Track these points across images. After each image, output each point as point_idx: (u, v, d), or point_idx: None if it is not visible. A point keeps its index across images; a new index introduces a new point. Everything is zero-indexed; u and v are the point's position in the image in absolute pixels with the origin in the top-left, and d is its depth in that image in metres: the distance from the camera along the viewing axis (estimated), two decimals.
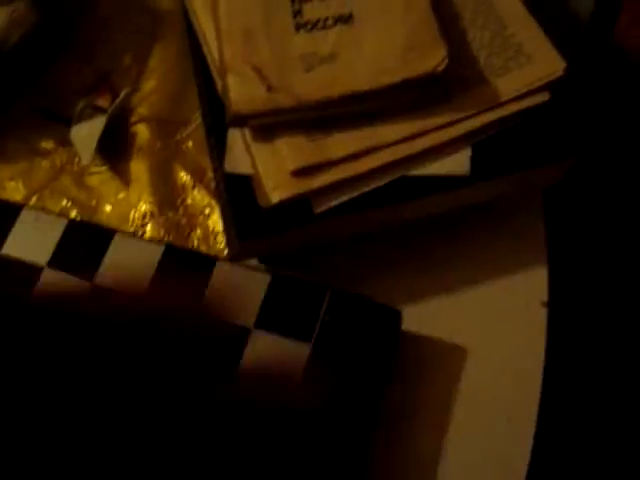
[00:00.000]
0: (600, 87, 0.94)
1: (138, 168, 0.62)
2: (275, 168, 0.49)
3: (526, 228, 0.59)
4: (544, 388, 0.53)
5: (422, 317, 0.54)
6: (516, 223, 0.59)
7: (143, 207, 0.60)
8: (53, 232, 0.55)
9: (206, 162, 0.60)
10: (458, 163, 0.51)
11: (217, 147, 0.52)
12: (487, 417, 0.52)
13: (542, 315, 0.55)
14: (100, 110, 0.63)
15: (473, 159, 0.51)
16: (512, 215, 0.59)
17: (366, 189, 0.50)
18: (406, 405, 0.52)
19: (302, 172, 0.49)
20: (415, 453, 0.51)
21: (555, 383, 0.56)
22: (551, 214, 0.59)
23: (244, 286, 0.51)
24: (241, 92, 0.49)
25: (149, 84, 0.66)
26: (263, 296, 0.51)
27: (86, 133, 0.61)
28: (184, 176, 0.61)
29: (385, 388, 0.49)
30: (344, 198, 0.50)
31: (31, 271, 0.53)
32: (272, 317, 0.50)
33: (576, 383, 1.12)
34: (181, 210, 0.60)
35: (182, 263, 0.53)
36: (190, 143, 0.63)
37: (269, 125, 0.50)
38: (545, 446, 0.53)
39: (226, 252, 0.56)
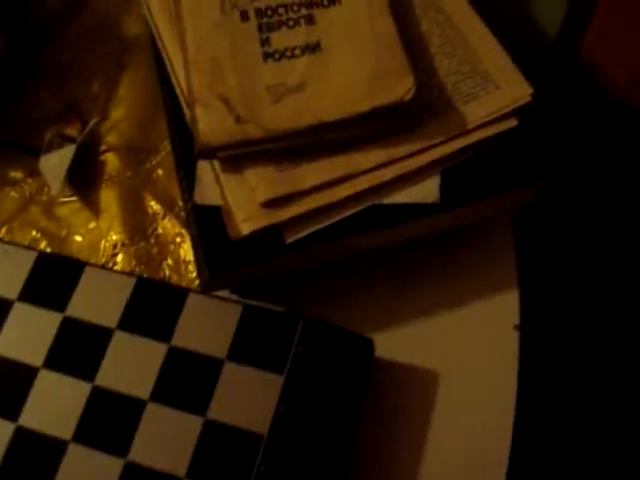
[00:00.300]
0: (566, 108, 0.95)
1: (108, 197, 0.62)
2: (245, 199, 0.49)
3: (497, 252, 0.59)
4: (518, 411, 0.53)
5: (395, 343, 0.54)
6: (487, 247, 0.59)
7: (114, 237, 0.60)
8: (23, 265, 0.54)
9: (176, 190, 0.59)
10: (428, 191, 0.51)
11: (186, 178, 0.52)
12: (461, 442, 0.52)
13: (514, 338, 0.55)
14: (69, 139, 0.62)
15: (443, 186, 0.51)
16: (483, 239, 0.59)
17: (337, 218, 0.50)
18: (381, 432, 0.52)
19: (272, 203, 0.49)
20: (390, 476, 0.52)
21: (529, 406, 0.56)
22: (521, 237, 0.59)
23: (216, 317, 0.51)
24: (209, 123, 0.49)
25: (118, 112, 0.66)
26: (235, 327, 0.51)
27: (55, 163, 0.61)
28: (154, 205, 0.61)
29: (359, 416, 0.49)
30: (315, 227, 0.50)
31: (1, 305, 0.53)
32: (245, 348, 0.50)
33: (550, 406, 1.13)
34: (152, 239, 0.59)
35: (154, 295, 0.52)
36: (160, 171, 0.63)
37: (238, 156, 0.50)
38: (520, 470, 0.53)
39: (197, 282, 0.55)
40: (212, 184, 0.51)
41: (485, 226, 0.59)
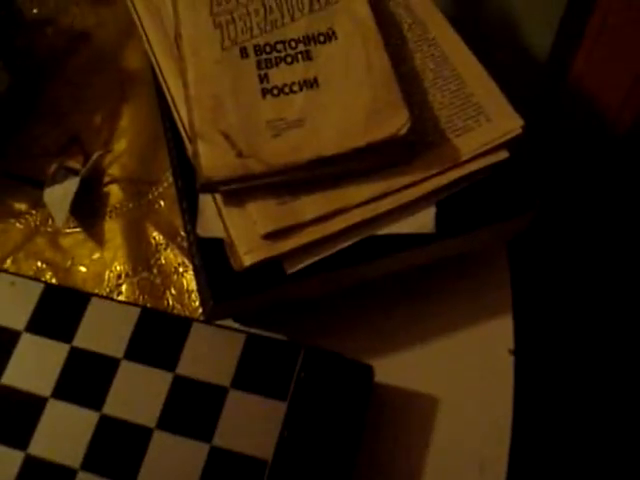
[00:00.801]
0: (556, 132, 0.96)
1: (111, 228, 0.63)
2: (246, 232, 0.50)
3: (491, 278, 0.60)
4: (514, 434, 0.54)
5: (393, 368, 0.55)
6: (482, 273, 0.60)
7: (118, 267, 0.61)
8: (30, 296, 0.55)
9: (178, 221, 0.61)
10: (423, 221, 0.52)
11: (189, 211, 0.53)
12: (459, 466, 0.53)
13: (509, 362, 0.57)
14: (72, 172, 0.64)
15: (438, 216, 0.52)
16: (477, 266, 0.60)
17: (335, 249, 0.51)
18: (380, 456, 0.53)
19: (273, 235, 0.50)
20: None
21: (525, 429, 0.57)
22: (515, 262, 0.60)
23: (220, 346, 0.52)
24: (212, 158, 0.50)
25: (120, 144, 0.67)
26: (239, 356, 0.52)
27: (59, 195, 0.62)
28: (157, 236, 0.62)
29: (360, 440, 0.49)
30: (315, 258, 0.50)
31: (9, 336, 0.54)
32: (248, 376, 0.51)
33: (546, 428, 1.14)
34: (155, 269, 0.60)
35: (159, 325, 0.53)
36: (162, 202, 0.64)
37: (239, 190, 0.51)
38: None
39: (201, 310, 0.56)
40: (214, 217, 0.52)
41: (480, 252, 0.60)
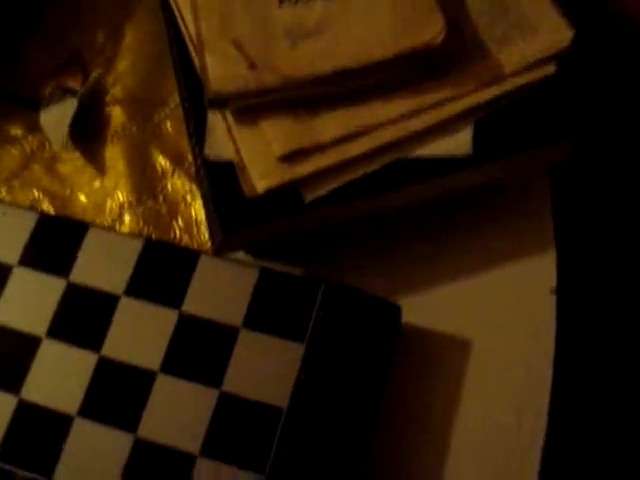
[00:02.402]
0: (605, 58, 0.90)
1: (113, 154, 0.59)
2: (260, 154, 0.47)
3: (532, 210, 0.56)
4: (555, 381, 0.50)
5: (422, 308, 0.52)
6: (521, 205, 0.56)
7: (120, 196, 0.57)
8: (23, 227, 0.51)
9: (186, 145, 0.56)
10: (459, 143, 0.48)
11: (197, 132, 0.49)
12: (495, 415, 0.50)
13: (551, 303, 0.53)
14: (71, 92, 0.59)
15: (475, 138, 0.48)
16: (517, 197, 0.56)
17: (360, 174, 0.47)
18: (408, 404, 0.50)
19: (290, 157, 0.46)
20: (419, 454, 0.49)
21: (566, 375, 0.53)
22: (558, 194, 0.56)
23: (231, 282, 0.48)
24: (221, 71, 0.46)
25: (123, 63, 0.62)
26: (251, 292, 0.48)
27: (56, 117, 0.58)
28: (163, 161, 0.58)
29: (384, 387, 0.46)
30: (336, 184, 0.47)
31: (1, 270, 0.50)
32: (262, 315, 0.47)
33: (588, 375, 1.09)
34: (161, 198, 0.57)
35: (163, 258, 0.49)
36: (169, 125, 0.60)
37: (252, 106, 0.47)
38: (558, 443, 0.51)
39: (210, 243, 0.53)
40: (224, 137, 0.48)
41: (519, 181, 0.56)
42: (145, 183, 0.58)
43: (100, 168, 0.58)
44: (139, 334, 0.47)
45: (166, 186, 0.57)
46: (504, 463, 0.49)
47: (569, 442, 0.91)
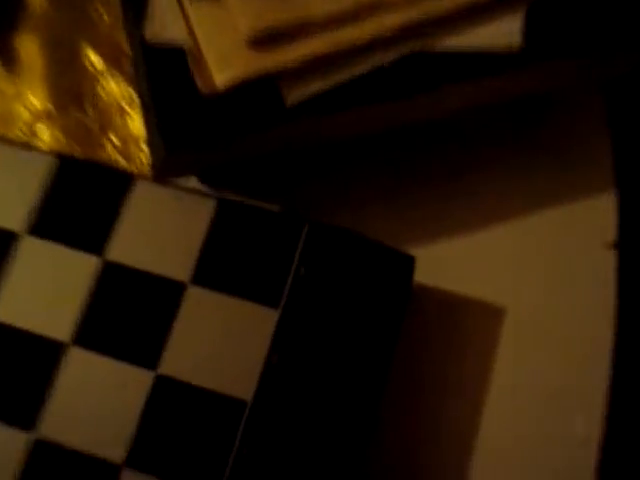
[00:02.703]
0: None
1: (31, 50, 0.50)
2: (222, 36, 0.37)
3: (584, 143, 0.48)
4: (617, 357, 0.43)
5: (442, 265, 0.43)
6: (571, 138, 0.48)
7: (36, 103, 0.49)
8: None
9: (126, 37, 0.47)
10: (505, 33, 0.38)
11: (135, 9, 0.39)
12: (531, 401, 0.42)
13: (609, 260, 0.45)
14: None
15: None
16: (564, 124, 0.48)
17: (362, 70, 0.38)
18: (418, 390, 0.42)
19: (264, 40, 0.37)
20: (433, 451, 0.41)
21: (631, 356, 0.45)
22: (619, 124, 0.48)
23: (176, 217, 0.38)
24: None
25: None
26: (204, 233, 0.38)
27: None
28: (94, 58, 0.50)
29: (389, 371, 0.36)
30: (328, 84, 0.37)
31: None
32: (218, 267, 0.37)
33: None
34: (89, 107, 0.48)
35: (83, 184, 0.38)
36: (103, 12, 0.51)
37: None
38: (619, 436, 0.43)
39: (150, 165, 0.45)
40: (174, 14, 0.39)
41: (568, 103, 0.48)
42: (71, 87, 0.50)
43: (10, 66, 0.50)
44: (44, 293, 0.36)
45: (97, 91, 0.49)
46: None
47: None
